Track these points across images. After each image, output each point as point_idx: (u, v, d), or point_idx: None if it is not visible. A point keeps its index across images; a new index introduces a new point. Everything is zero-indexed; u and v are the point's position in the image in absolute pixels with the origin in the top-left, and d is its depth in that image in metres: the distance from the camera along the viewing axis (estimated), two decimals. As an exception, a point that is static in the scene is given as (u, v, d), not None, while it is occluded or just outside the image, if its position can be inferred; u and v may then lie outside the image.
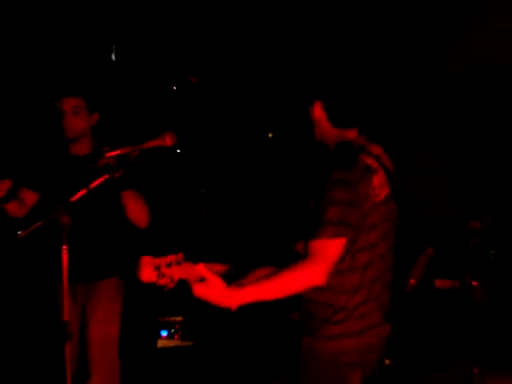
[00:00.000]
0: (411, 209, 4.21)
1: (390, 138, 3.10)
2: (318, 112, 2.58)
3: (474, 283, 3.99)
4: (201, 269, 2.22)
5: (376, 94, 2.94)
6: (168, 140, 2.49)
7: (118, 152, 2.44)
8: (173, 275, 2.26)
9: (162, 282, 2.26)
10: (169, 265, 2.29)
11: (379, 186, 2.43)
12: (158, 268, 2.27)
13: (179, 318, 5.69)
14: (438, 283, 4.19)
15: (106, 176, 2.43)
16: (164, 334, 5.59)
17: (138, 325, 5.23)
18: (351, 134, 2.55)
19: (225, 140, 6.52)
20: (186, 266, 2.30)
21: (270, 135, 7.05)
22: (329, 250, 2.28)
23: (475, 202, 4.58)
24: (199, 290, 2.19)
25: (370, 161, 2.44)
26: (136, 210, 3.16)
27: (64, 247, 2.45)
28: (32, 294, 4.79)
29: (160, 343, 5.50)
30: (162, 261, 2.27)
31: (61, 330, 2.58)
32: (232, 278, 2.37)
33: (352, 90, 2.62)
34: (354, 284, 2.38)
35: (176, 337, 5.59)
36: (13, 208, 3.18)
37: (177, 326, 5.59)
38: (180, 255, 2.31)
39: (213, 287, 2.20)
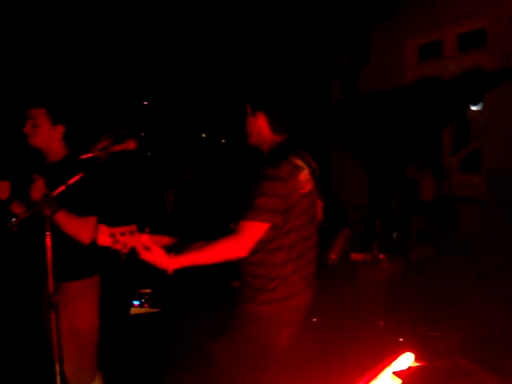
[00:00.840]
0: (332, 198, 4.29)
1: (312, 140, 3.15)
2: (261, 121, 2.62)
3: (381, 256, 4.13)
4: (144, 239, 2.34)
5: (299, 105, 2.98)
6: (131, 144, 2.49)
7: (90, 155, 2.44)
8: (126, 242, 2.34)
9: (117, 247, 2.36)
10: (122, 234, 2.36)
11: (305, 181, 2.53)
12: (112, 235, 2.36)
13: (149, 290, 5.69)
14: (353, 256, 4.32)
15: (82, 174, 2.40)
16: (136, 303, 5.59)
17: (114, 296, 5.24)
18: (282, 138, 2.64)
19: (179, 142, 6.49)
20: (138, 237, 2.37)
21: (204, 135, 7.08)
22: (253, 230, 2.39)
23: (382, 192, 4.69)
24: (144, 255, 2.34)
25: (297, 161, 2.53)
26: (71, 230, 2.79)
27: (47, 234, 2.37)
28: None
29: (133, 311, 5.51)
30: (116, 230, 2.35)
31: (47, 300, 2.48)
32: (177, 250, 2.43)
33: (287, 102, 2.69)
34: (282, 259, 2.47)
35: (146, 305, 5.60)
36: (16, 209, 2.90)
37: (146, 297, 5.60)
38: (133, 227, 2.37)
39: (155, 254, 2.33)
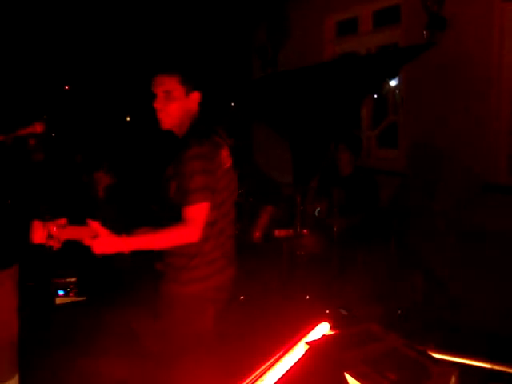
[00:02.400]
0: (256, 175, 4.32)
1: (235, 119, 3.12)
2: (195, 102, 2.54)
3: (304, 231, 4.20)
4: (95, 225, 2.23)
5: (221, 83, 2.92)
6: (38, 127, 2.39)
7: (-5, 139, 2.32)
8: (59, 237, 2.22)
9: (51, 242, 2.23)
10: (59, 226, 2.25)
11: (226, 157, 2.53)
12: (47, 230, 2.23)
13: (73, 279, 5.57)
14: (277, 233, 4.37)
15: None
16: (61, 292, 5.46)
17: (38, 287, 5.10)
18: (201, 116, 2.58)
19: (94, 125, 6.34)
20: (73, 229, 2.26)
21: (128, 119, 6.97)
22: (199, 213, 2.34)
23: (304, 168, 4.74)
24: (97, 247, 2.24)
25: (217, 138, 2.51)
26: None
27: None
28: None
29: (58, 300, 5.38)
30: (50, 224, 2.23)
31: None
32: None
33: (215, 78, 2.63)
34: (204, 236, 2.42)
35: (71, 294, 5.48)
36: None
37: (71, 286, 5.47)
38: (64, 220, 2.26)
39: (107, 239, 2.23)
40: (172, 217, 2.40)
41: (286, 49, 6.60)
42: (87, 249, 4.48)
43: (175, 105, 2.49)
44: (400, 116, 5.51)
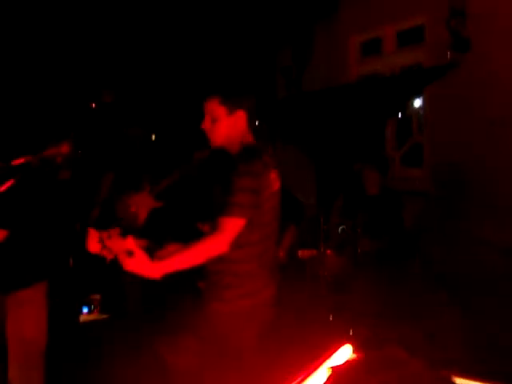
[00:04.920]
0: (291, 195, 4.30)
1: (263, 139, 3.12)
2: (241, 120, 2.59)
3: (328, 252, 4.18)
4: (130, 242, 2.23)
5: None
6: (64, 148, 2.43)
7: (22, 160, 2.37)
8: (112, 247, 2.23)
9: (105, 253, 2.24)
10: (109, 237, 2.25)
11: (274, 179, 2.56)
12: (101, 240, 2.24)
13: (97, 296, 5.60)
14: (300, 253, 4.35)
15: (12, 180, 2.34)
16: (85, 310, 5.50)
17: (63, 304, 5.13)
18: (253, 136, 2.65)
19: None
20: (121, 241, 2.26)
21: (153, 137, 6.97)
22: (232, 226, 2.36)
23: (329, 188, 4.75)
24: (129, 264, 2.23)
25: (267, 159, 2.54)
26: None
27: None
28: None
29: (82, 318, 5.42)
30: (104, 234, 2.23)
31: None
32: (149, 252, 2.35)
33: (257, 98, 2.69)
34: (248, 255, 2.48)
35: (95, 312, 5.51)
36: None
37: (95, 303, 5.51)
38: (117, 229, 2.27)
39: (139, 261, 2.23)
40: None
41: (310, 69, 6.63)
42: (113, 265, 4.48)
43: (219, 124, 2.57)
44: (424, 136, 5.48)
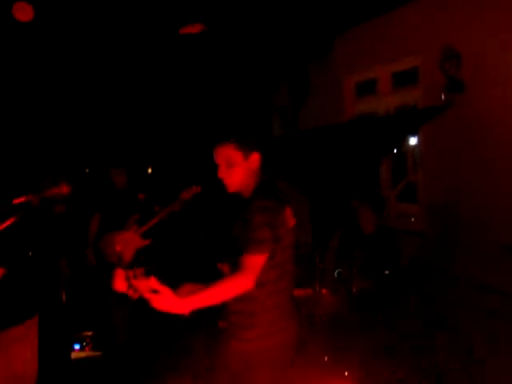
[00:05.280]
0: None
1: None
2: (256, 163, 2.61)
3: (323, 291, 4.17)
4: (153, 282, 2.22)
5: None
6: (64, 188, 2.45)
7: (22, 199, 2.38)
8: (138, 287, 2.23)
9: (130, 292, 2.24)
10: (135, 277, 2.25)
11: (290, 216, 2.57)
12: (128, 279, 2.24)
13: (90, 333, 5.54)
14: (296, 292, 4.33)
15: (13, 219, 2.34)
16: (77, 347, 5.43)
17: (54, 340, 5.07)
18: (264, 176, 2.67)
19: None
20: (145, 280, 2.26)
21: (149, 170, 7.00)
22: (255, 263, 2.37)
23: (324, 227, 4.75)
24: (157, 302, 2.22)
25: (282, 197, 2.58)
26: None
27: None
28: None
29: (74, 355, 5.35)
30: (130, 273, 2.23)
31: None
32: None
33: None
34: (267, 294, 2.50)
35: (87, 349, 5.44)
36: None
37: (87, 340, 5.44)
38: (142, 269, 2.27)
39: (166, 298, 2.22)
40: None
41: (306, 108, 6.72)
42: (105, 302, 4.44)
43: (237, 170, 2.59)
44: (419, 175, 5.53)
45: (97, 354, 5.38)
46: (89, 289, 5.64)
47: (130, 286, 2.24)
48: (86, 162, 6.87)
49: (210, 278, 2.47)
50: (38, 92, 6.19)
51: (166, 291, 2.22)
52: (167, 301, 2.22)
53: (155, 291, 2.22)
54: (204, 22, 5.19)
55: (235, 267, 2.48)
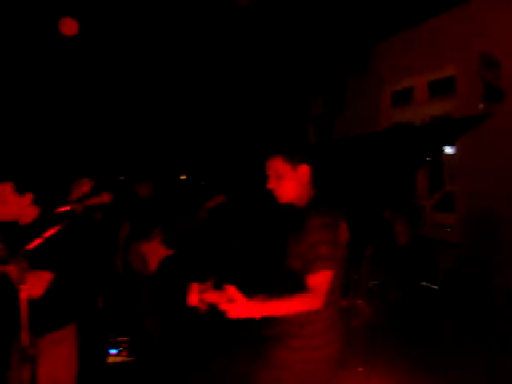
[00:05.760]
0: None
1: None
2: (305, 174, 2.63)
3: (359, 302, 4.14)
4: (232, 291, 2.25)
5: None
6: (105, 197, 2.53)
7: (66, 208, 2.45)
8: (208, 299, 2.29)
9: (201, 305, 2.31)
10: (205, 290, 2.31)
11: (344, 229, 2.59)
12: (202, 292, 2.31)
13: (125, 338, 5.61)
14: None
15: (59, 226, 2.42)
16: (113, 351, 5.50)
17: (91, 344, 5.15)
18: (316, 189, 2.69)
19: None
20: (220, 291, 2.31)
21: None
22: (323, 281, 2.41)
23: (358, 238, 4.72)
24: (233, 311, 2.24)
25: (339, 211, 2.61)
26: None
27: (24, 287, 2.35)
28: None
29: (110, 359, 5.42)
30: (202, 287, 2.29)
31: (21, 353, 2.45)
32: None
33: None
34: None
35: (123, 354, 5.51)
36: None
37: (124, 345, 5.51)
38: (211, 282, 2.32)
39: (242, 306, 2.25)
40: (288, 285, 2.49)
41: (341, 117, 6.72)
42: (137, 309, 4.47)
43: (286, 182, 2.63)
44: (456, 185, 5.47)
45: (132, 359, 5.44)
46: (120, 295, 5.73)
47: (202, 299, 2.28)
48: (120, 170, 6.99)
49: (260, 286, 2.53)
50: (74, 101, 6.33)
51: (241, 299, 2.25)
52: (243, 308, 2.25)
53: (231, 301, 2.24)
54: (244, 31, 5.25)
55: (280, 279, 2.54)
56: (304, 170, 2.64)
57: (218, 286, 2.35)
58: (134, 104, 6.79)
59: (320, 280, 2.40)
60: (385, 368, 3.95)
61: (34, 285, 2.65)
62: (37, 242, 2.42)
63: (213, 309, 2.34)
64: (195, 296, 2.28)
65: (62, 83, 6.11)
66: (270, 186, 2.67)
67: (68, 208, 2.44)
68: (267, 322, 2.59)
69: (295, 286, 2.46)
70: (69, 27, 4.23)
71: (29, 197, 2.91)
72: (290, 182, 2.63)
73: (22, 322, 2.40)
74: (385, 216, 4.75)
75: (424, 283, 4.27)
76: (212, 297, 2.32)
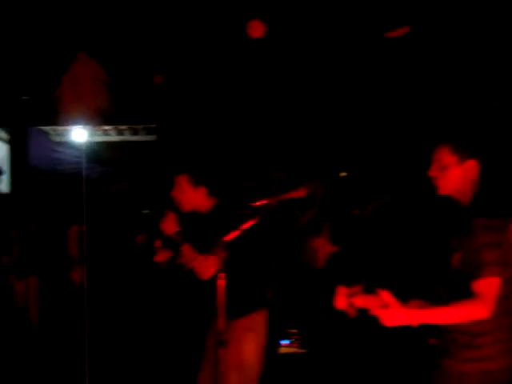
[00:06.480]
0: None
1: None
2: (474, 169, 2.48)
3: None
4: (386, 295, 2.17)
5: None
6: (302, 192, 2.56)
7: (263, 202, 2.55)
8: (357, 304, 2.25)
9: (349, 310, 2.28)
10: (355, 294, 2.26)
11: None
12: (351, 295, 2.27)
13: (296, 331, 5.74)
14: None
15: (257, 219, 2.52)
16: (285, 342, 5.66)
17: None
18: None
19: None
20: (363, 297, 2.27)
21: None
22: (491, 288, 2.27)
23: None
24: (387, 318, 2.16)
25: (508, 212, 2.44)
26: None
27: (221, 275, 2.51)
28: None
29: (281, 350, 5.59)
30: (351, 290, 2.26)
31: (216, 337, 2.62)
32: None
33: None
34: (494, 314, 2.31)
35: (295, 345, 5.64)
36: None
37: (296, 337, 5.64)
38: (362, 286, 2.29)
39: (397, 311, 2.17)
40: (453, 291, 2.38)
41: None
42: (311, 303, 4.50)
43: (449, 173, 2.49)
44: None
45: (303, 351, 5.54)
46: (296, 289, 5.85)
47: (350, 304, 2.22)
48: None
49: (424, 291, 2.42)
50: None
51: (395, 304, 2.17)
52: (398, 314, 2.17)
53: (385, 306, 2.15)
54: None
55: (443, 284, 2.42)
56: (472, 164, 2.46)
57: (369, 290, 2.26)
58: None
59: (487, 286, 2.23)
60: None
61: (207, 267, 2.92)
62: (235, 233, 2.55)
63: (363, 314, 2.24)
64: (343, 300, 2.22)
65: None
66: (432, 173, 2.52)
67: (265, 202, 2.54)
68: (431, 330, 2.47)
69: (458, 292, 2.32)
70: (256, 30, 4.41)
71: (202, 190, 3.26)
72: (453, 175, 2.47)
73: (219, 308, 2.53)
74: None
75: None
76: (363, 301, 2.23)
